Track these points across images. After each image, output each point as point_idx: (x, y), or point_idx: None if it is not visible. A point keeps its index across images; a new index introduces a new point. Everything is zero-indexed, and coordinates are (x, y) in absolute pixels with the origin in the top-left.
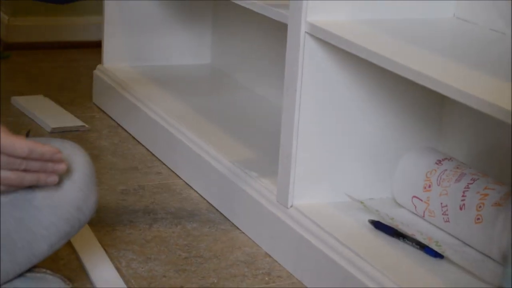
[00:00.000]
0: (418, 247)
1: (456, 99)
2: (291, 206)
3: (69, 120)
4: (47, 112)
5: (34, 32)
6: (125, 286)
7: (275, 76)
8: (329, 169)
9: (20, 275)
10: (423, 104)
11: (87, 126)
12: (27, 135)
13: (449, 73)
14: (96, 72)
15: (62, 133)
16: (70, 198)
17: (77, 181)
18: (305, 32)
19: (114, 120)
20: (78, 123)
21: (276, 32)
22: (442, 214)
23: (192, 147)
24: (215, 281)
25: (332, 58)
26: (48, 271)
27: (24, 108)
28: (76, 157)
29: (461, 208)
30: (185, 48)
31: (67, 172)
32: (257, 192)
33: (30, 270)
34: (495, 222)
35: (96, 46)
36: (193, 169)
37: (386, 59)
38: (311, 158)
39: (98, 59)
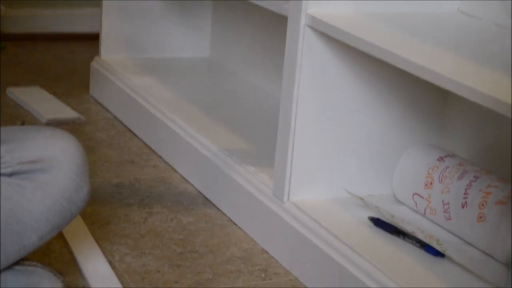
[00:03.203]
0: (419, 245)
1: (459, 93)
2: (288, 201)
3: (65, 112)
4: (42, 103)
5: (31, 23)
6: (118, 281)
7: (274, 69)
8: (327, 164)
9: (10, 268)
10: (425, 99)
11: (83, 117)
12: (22, 126)
13: (452, 67)
14: (93, 63)
15: (58, 124)
16: (61, 189)
17: (68, 172)
18: (305, 24)
19: (110, 112)
20: (74, 114)
21: (276, 24)
22: (444, 212)
23: (189, 140)
24: (210, 277)
25: (332, 52)
26: (39, 265)
27: (19, 99)
28: (68, 147)
29: (463, 206)
30: (184, 40)
31: (59, 162)
32: (253, 186)
33: (20, 263)
34: (498, 221)
35: (94, 38)
36: (190, 162)
37: (388, 53)
38: (309, 152)
39: (96, 51)
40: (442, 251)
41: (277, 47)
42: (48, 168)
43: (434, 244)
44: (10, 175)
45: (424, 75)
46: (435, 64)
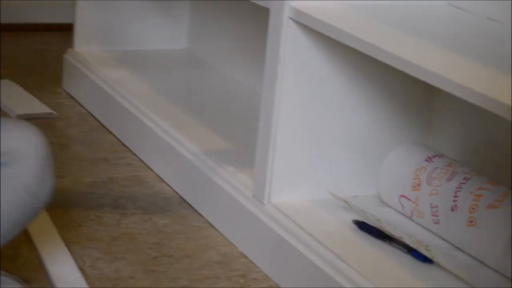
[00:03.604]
0: (406, 250)
1: (447, 90)
2: (268, 203)
3: (37, 107)
4: (13, 97)
5: (1, 13)
6: None
7: (255, 64)
8: (310, 164)
9: None
10: (412, 96)
11: (55, 113)
12: None
13: (440, 62)
14: (67, 56)
15: (29, 120)
16: (24, 183)
17: (31, 165)
18: (288, 17)
19: (84, 108)
20: (46, 110)
21: (257, 16)
22: (432, 215)
23: (165, 137)
24: (186, 283)
25: (317, 46)
26: (3, 272)
27: None
28: (31, 139)
29: (452, 210)
30: (161, 32)
31: (21, 155)
32: (232, 187)
33: None
34: (489, 225)
35: (67, 29)
36: (166, 161)
37: (374, 47)
38: (291, 152)
39: (69, 43)
40: (431, 258)
41: (258, 39)
42: (9, 162)
43: (422, 250)
44: None
45: (411, 71)
46: (422, 59)
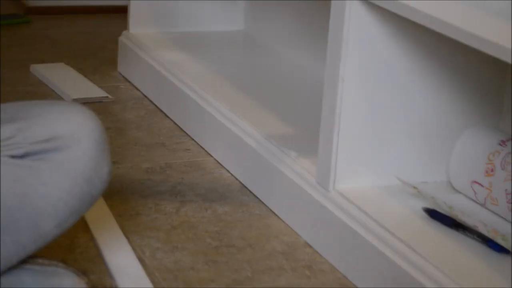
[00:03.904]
0: (481, 240)
1: None
2: (333, 190)
3: (92, 91)
4: (68, 81)
5: None
6: (148, 280)
7: (315, 45)
8: (377, 148)
9: (28, 268)
10: (483, 78)
11: (110, 97)
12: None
13: None
14: (122, 38)
15: (84, 104)
16: (79, 169)
17: (87, 150)
18: None
19: (140, 91)
20: (101, 93)
21: None
22: (507, 202)
23: (224, 122)
24: (249, 275)
25: (383, 25)
26: (60, 264)
27: (43, 77)
28: (85, 122)
29: None
30: (217, 13)
31: (75, 139)
32: (295, 173)
33: (39, 263)
34: None
35: (122, 11)
36: (226, 146)
37: (445, 24)
38: (356, 136)
39: (124, 25)
40: (508, 248)
41: (318, 19)
42: (63, 147)
43: (499, 240)
44: (22, 156)
45: (487, 49)
46: (498, 35)
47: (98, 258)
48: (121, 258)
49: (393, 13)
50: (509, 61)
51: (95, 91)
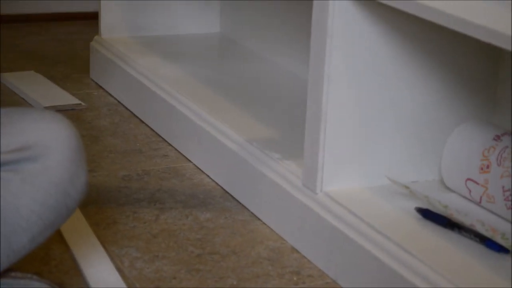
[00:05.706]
0: (478, 240)
1: None
2: (321, 192)
3: (64, 98)
4: (39, 89)
5: (25, 4)
6: None
7: (295, 43)
8: (365, 147)
9: (0, 282)
10: (475, 71)
11: (83, 104)
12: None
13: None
14: (93, 44)
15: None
16: (53, 180)
17: (61, 159)
18: None
19: (114, 97)
20: (74, 101)
21: None
22: (504, 199)
23: (203, 126)
24: (235, 282)
25: (369, 16)
26: (34, 276)
27: (14, 86)
28: (59, 130)
29: None
30: (192, 15)
31: (49, 148)
32: (279, 176)
33: (12, 276)
34: None
35: (94, 18)
36: (205, 150)
37: (433, 10)
38: (344, 135)
39: (96, 31)
40: (507, 247)
41: (296, 17)
42: (36, 156)
43: (498, 239)
44: None
45: (478, 33)
46: (490, 21)
47: (75, 270)
48: (99, 269)
49: (381, 3)
50: (504, 46)
51: (67, 99)
